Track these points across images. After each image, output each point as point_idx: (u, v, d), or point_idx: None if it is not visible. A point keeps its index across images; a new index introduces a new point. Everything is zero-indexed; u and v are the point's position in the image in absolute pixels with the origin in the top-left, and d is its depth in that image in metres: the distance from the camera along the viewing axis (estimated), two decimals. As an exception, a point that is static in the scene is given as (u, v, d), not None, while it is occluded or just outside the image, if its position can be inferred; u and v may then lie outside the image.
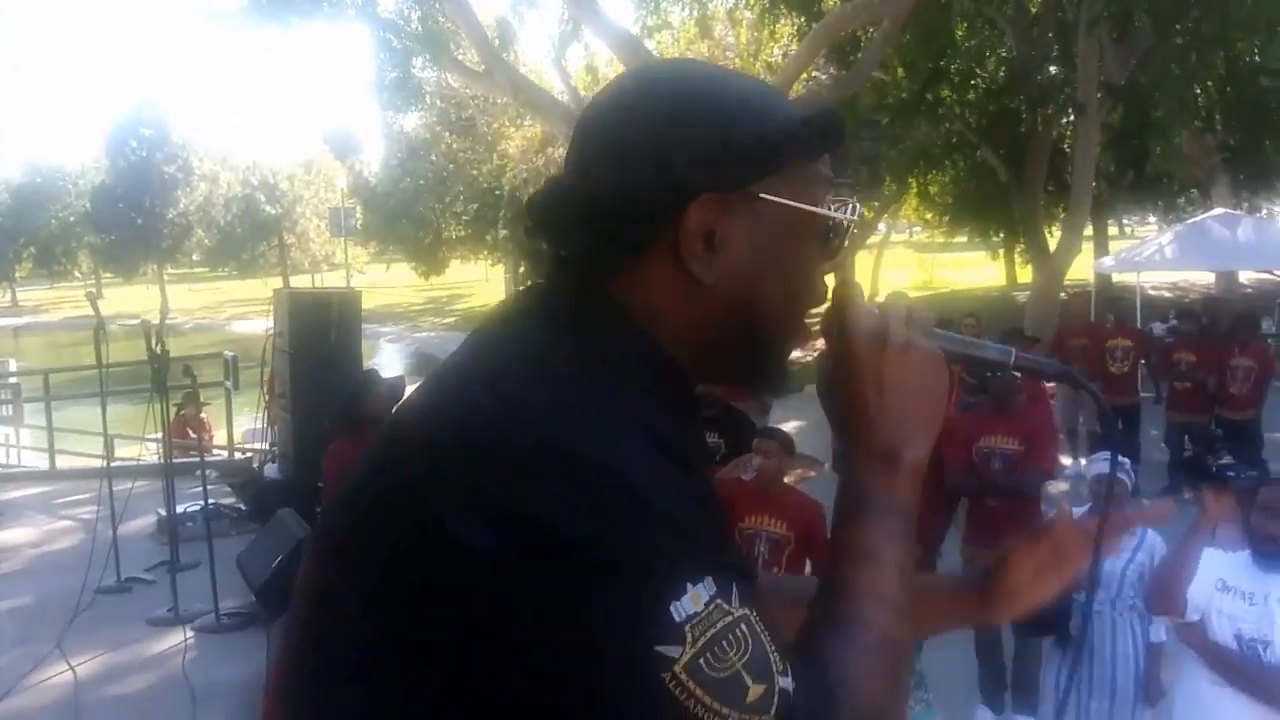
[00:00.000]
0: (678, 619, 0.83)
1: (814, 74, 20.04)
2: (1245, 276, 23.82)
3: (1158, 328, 16.10)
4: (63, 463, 12.79)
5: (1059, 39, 18.29)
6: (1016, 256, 29.52)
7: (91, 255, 66.93)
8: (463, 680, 0.86)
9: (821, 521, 5.37)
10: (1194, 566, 3.50)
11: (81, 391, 16.11)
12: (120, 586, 7.45)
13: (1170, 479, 9.48)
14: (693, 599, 0.84)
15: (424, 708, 0.88)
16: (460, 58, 16.51)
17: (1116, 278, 21.10)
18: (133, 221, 59.87)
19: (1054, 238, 19.77)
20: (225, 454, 11.67)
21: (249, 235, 64.78)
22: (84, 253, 68.09)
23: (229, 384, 10.90)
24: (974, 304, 21.89)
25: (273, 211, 63.59)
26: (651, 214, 0.98)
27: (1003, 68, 20.67)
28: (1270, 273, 22.46)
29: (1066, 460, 10.41)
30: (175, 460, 8.04)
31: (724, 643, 0.84)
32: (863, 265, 32.84)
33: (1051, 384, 8.69)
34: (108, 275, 66.02)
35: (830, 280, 1.12)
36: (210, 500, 7.73)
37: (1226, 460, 3.62)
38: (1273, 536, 3.37)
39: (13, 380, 14.96)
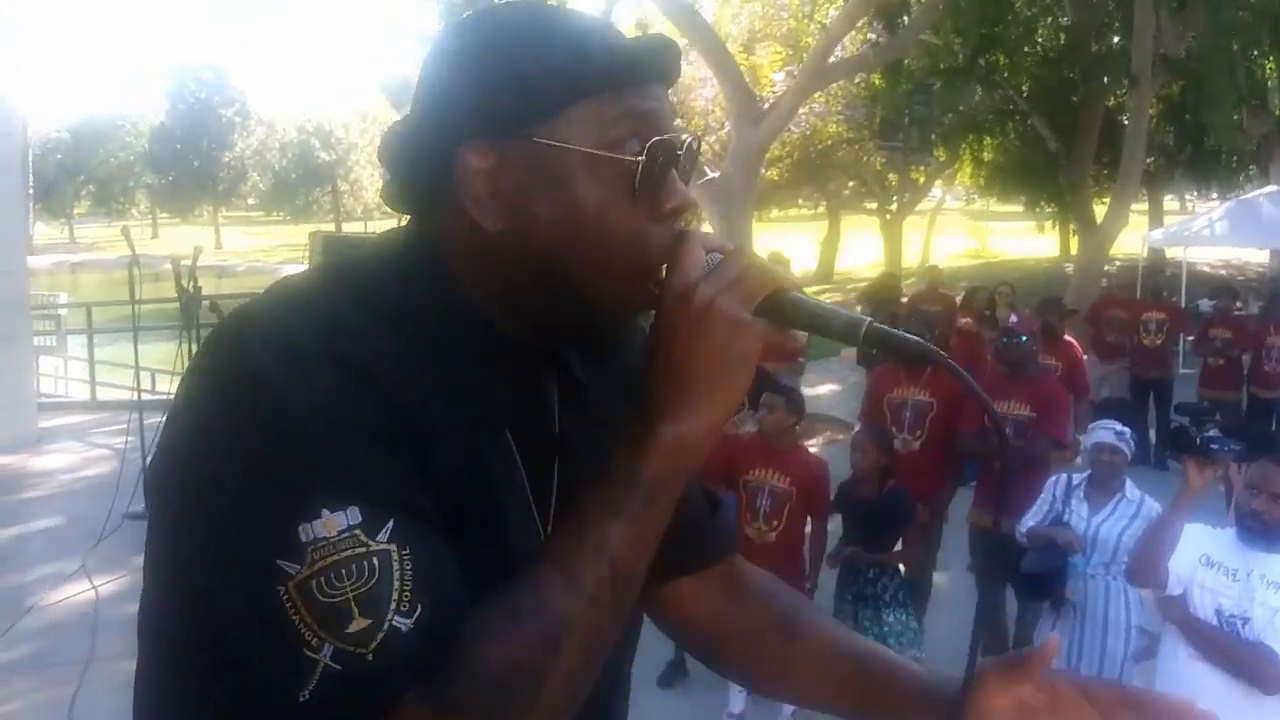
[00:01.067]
0: (304, 539, 0.85)
1: (867, 36, 19.81)
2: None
3: (1204, 304, 15.87)
4: (103, 395, 13.13)
5: (1117, 8, 17.94)
6: (1069, 228, 29.11)
7: (149, 195, 67.89)
8: (169, 566, 0.98)
9: (825, 480, 5.42)
10: (1176, 540, 3.49)
11: (123, 326, 16.51)
12: (147, 513, 7.64)
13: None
14: (325, 524, 0.86)
15: (153, 578, 1.02)
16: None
17: (1169, 253, 20.80)
18: (190, 163, 60.68)
19: (1103, 210, 19.49)
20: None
21: (303, 181, 65.36)
22: (141, 192, 69.08)
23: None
24: (1021, 274, 21.66)
25: (327, 158, 64.06)
26: (434, 160, 0.99)
27: (1059, 35, 20.31)
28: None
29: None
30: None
31: (343, 570, 0.85)
32: (915, 230, 32.58)
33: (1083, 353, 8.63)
34: (164, 215, 66.96)
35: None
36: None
37: (1213, 433, 3.58)
38: (1257, 514, 3.35)
39: (59, 312, 15.27)
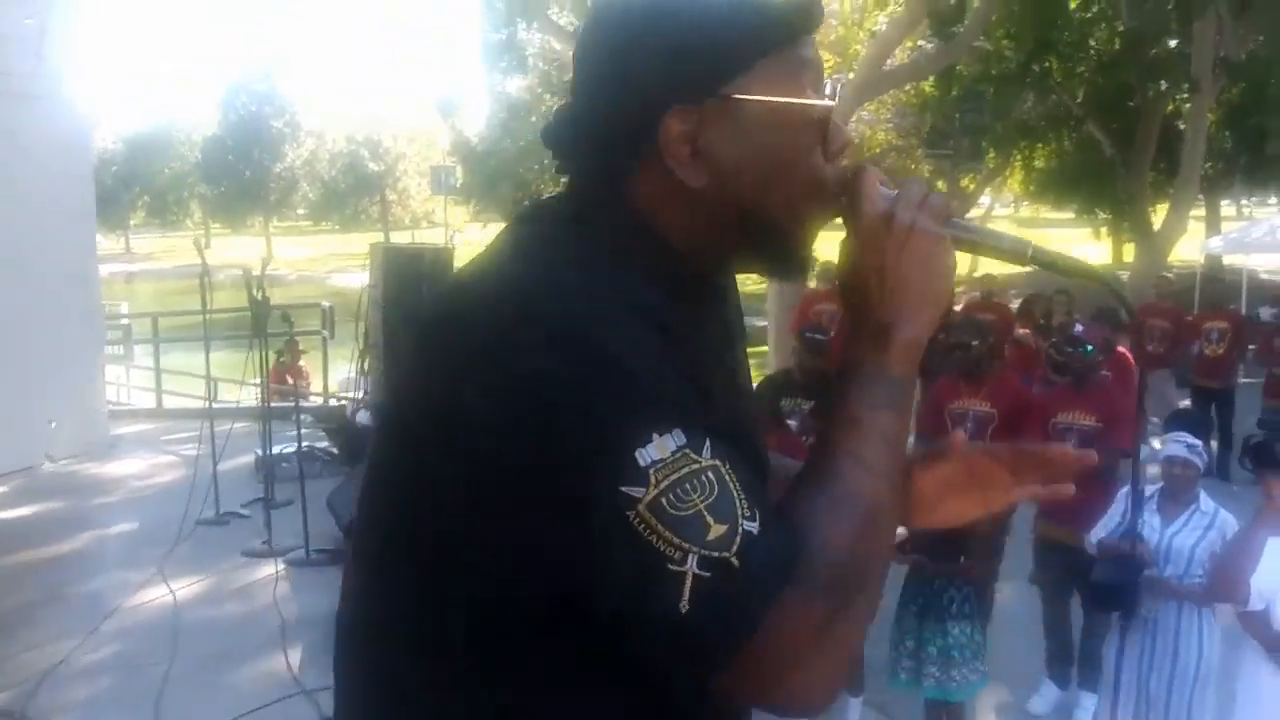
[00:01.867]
0: (642, 463, 0.93)
1: (919, 43, 19.73)
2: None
3: (1264, 312, 15.66)
4: (169, 403, 13.38)
5: (1176, 11, 17.75)
6: (1122, 235, 28.80)
7: (202, 205, 68.77)
8: (474, 516, 1.01)
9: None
10: (1259, 554, 3.47)
11: (188, 335, 16.79)
12: (218, 519, 7.80)
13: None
14: (658, 447, 0.94)
15: (448, 541, 1.04)
16: (559, 20, 16.59)
17: (1227, 260, 20.54)
18: (241, 174, 61.36)
19: (1160, 216, 19.28)
20: (321, 400, 12.05)
21: (352, 191, 65.92)
22: (195, 203, 69.98)
23: (325, 333, 11.24)
24: (1074, 283, 21.44)
25: (376, 168, 64.59)
26: (630, 133, 1.08)
27: (1115, 39, 20.12)
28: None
29: (1156, 444, 10.26)
30: (272, 405, 8.38)
31: (687, 485, 0.94)
32: (963, 239, 32.33)
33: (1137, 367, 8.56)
34: (216, 225, 67.79)
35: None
36: (304, 443, 8.04)
37: (1295, 447, 3.56)
38: None
39: (124, 322, 15.57)
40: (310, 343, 12.25)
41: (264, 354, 7.62)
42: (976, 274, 22.92)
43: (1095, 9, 19.98)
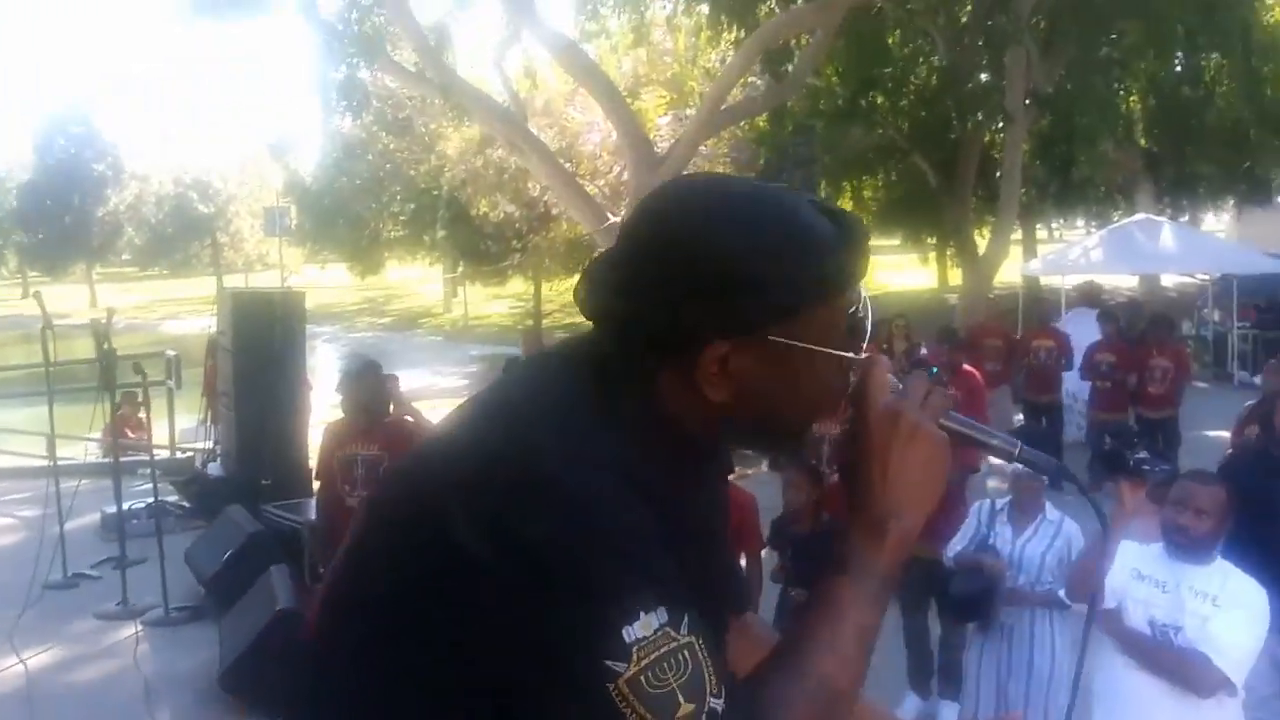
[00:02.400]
0: (628, 640, 0.99)
1: (751, 79, 20.29)
2: (1168, 280, 24.54)
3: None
4: (1, 463, 12.64)
5: (988, 48, 18.73)
6: (947, 260, 30.07)
7: (18, 253, 65.45)
8: (452, 671, 1.05)
9: (755, 514, 5.58)
10: (1111, 557, 3.69)
11: (17, 391, 15.90)
12: (68, 582, 7.47)
13: (1090, 474, 9.83)
14: (644, 625, 1.00)
15: (420, 694, 1.07)
16: (397, 58, 16.49)
17: (1044, 280, 21.66)
18: (61, 220, 58.71)
19: (984, 241, 20.22)
20: (168, 453, 11.62)
21: (181, 234, 63.68)
22: (10, 251, 66.57)
23: (171, 383, 10.87)
24: (906, 305, 22.31)
25: (206, 210, 62.62)
26: (670, 343, 1.12)
27: (934, 75, 21.09)
28: (1193, 276, 23.13)
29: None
30: (120, 459, 8.06)
31: (665, 664, 1.00)
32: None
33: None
34: (35, 274, 64.58)
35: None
36: (157, 498, 7.78)
37: (1143, 455, 3.82)
38: (1183, 528, 3.54)
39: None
40: (152, 393, 11.79)
41: (114, 405, 7.34)
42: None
43: (915, 46, 20.91)
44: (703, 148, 22.26)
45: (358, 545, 1.18)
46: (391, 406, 6.73)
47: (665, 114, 23.15)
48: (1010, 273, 21.20)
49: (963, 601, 4.79)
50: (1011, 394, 11.52)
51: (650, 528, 1.05)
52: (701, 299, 1.10)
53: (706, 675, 1.03)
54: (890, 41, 19.72)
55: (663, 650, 1.00)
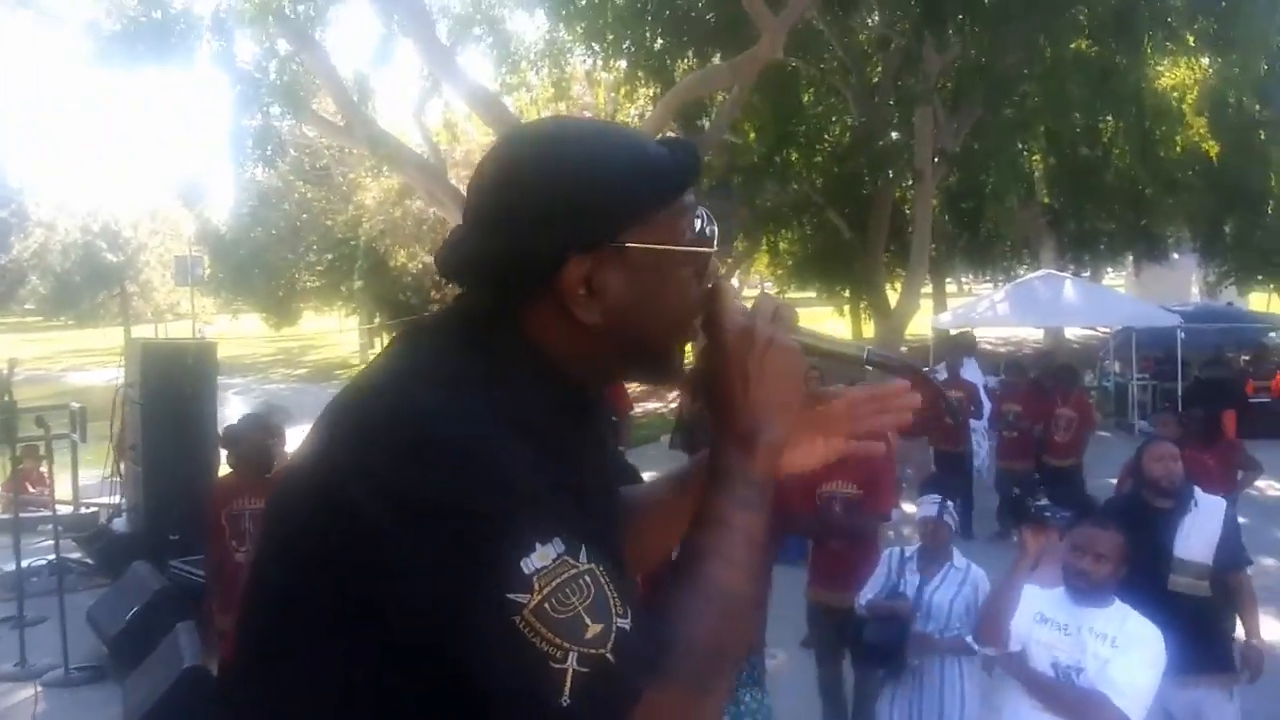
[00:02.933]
0: (526, 571, 1.03)
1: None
2: (1071, 332, 25.29)
3: (991, 381, 16.98)
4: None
5: (899, 107, 19.27)
6: (861, 312, 30.57)
7: (-86, 302, 63.47)
8: (371, 641, 1.09)
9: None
10: (1016, 601, 3.80)
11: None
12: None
13: (999, 522, 10.05)
14: (541, 556, 1.04)
15: (335, 650, 1.11)
16: (317, 108, 16.46)
17: (954, 332, 22.14)
18: (-40, 268, 57.14)
19: (895, 294, 20.64)
20: (71, 509, 11.30)
21: (89, 283, 62.21)
22: (-93, 299, 64.51)
23: (75, 436, 10.58)
24: (819, 357, 22.61)
25: (115, 259, 61.33)
26: (530, 274, 1.19)
27: (846, 133, 21.59)
28: (1094, 329, 23.83)
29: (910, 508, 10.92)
30: (21, 515, 7.84)
31: (568, 590, 1.04)
32: (715, 319, 33.45)
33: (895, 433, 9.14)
34: (-67, 323, 62.62)
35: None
36: (59, 554, 7.57)
37: (1044, 502, 3.96)
38: (1084, 572, 3.69)
39: None
40: (56, 446, 11.46)
41: (14, 459, 7.14)
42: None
43: (828, 105, 21.41)
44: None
45: (263, 549, 1.21)
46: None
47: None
48: (921, 325, 21.66)
49: (875, 648, 4.85)
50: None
51: (536, 466, 1.09)
52: (554, 219, 1.17)
53: (611, 598, 1.06)
54: (805, 99, 20.20)
55: (564, 577, 1.04)
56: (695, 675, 1.10)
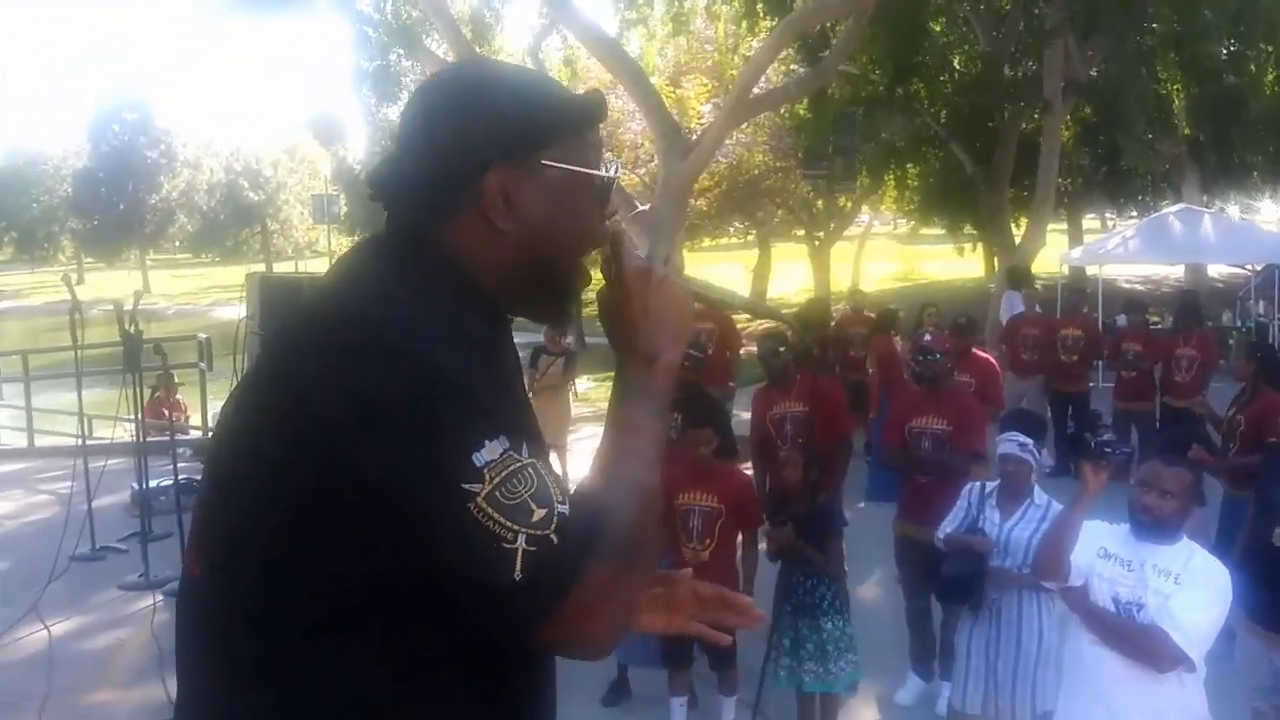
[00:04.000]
0: (478, 464, 1.16)
1: (791, 67, 20.25)
2: (1216, 270, 24.21)
3: (1120, 319, 16.45)
4: (40, 442, 13.02)
5: (1028, 35, 18.56)
6: (992, 248, 29.77)
7: (74, 240, 66.72)
8: (333, 517, 1.20)
9: (753, 495, 5.67)
10: (1076, 536, 3.75)
11: (59, 373, 16.27)
12: (94, 555, 7.71)
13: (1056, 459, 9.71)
14: (489, 451, 1.17)
15: (314, 542, 1.22)
16: (438, 49, 16.65)
17: (1090, 270, 21.45)
18: (115, 207, 59.74)
19: (1020, 231, 20.04)
20: (199, 434, 11.87)
21: (232, 221, 64.67)
22: (66, 238, 67.86)
23: (203, 365, 11.10)
24: (949, 295, 22.21)
25: (256, 198, 63.48)
26: (459, 181, 1.33)
27: (973, 63, 20.91)
28: (1241, 267, 22.79)
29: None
30: (148, 439, 8.30)
31: (514, 480, 1.17)
32: (843, 255, 33.09)
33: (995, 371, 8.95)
34: (90, 260, 65.79)
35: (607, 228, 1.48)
36: (181, 476, 7.98)
37: (1106, 437, 3.88)
38: (1148, 508, 3.61)
39: (-9, 361, 15.11)
40: (187, 376, 12.07)
41: (138, 389, 7.55)
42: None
43: (954, 34, 20.74)
44: (741, 135, 22.30)
45: (223, 459, 1.34)
46: None
47: (707, 102, 23.16)
48: (1055, 263, 21.02)
49: (952, 582, 4.83)
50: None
51: (479, 367, 1.24)
52: (480, 129, 1.33)
53: (551, 486, 1.21)
54: (935, 28, 19.60)
55: (510, 469, 1.18)
56: (625, 554, 1.24)
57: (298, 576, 1.23)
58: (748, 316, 14.98)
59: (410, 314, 1.25)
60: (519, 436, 1.20)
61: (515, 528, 1.16)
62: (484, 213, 1.34)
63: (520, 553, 1.15)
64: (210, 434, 11.96)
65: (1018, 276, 14.44)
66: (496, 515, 1.15)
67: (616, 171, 1.47)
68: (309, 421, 1.19)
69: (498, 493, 1.16)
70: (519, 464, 1.18)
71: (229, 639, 1.28)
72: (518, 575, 1.15)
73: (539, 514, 1.18)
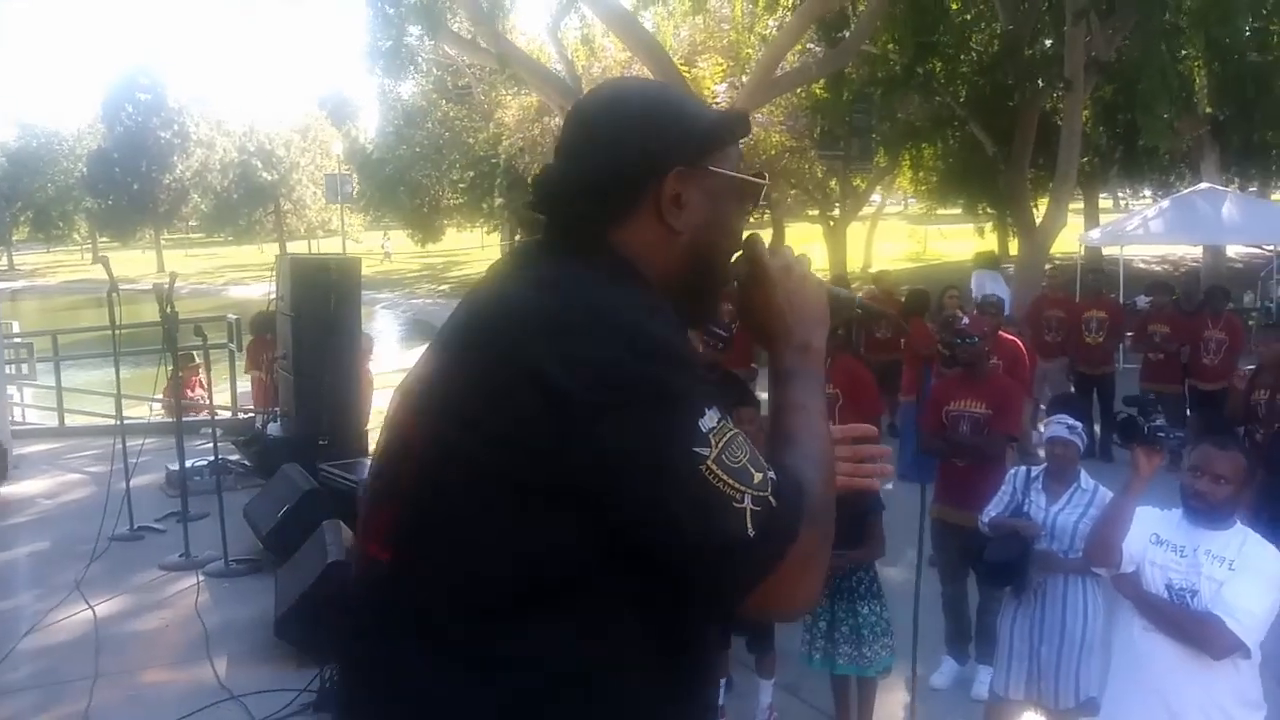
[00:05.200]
0: (705, 429, 1.26)
1: (808, 46, 20.14)
2: (1234, 250, 24.08)
3: (1140, 300, 16.39)
4: (71, 421, 13.06)
5: (1048, 14, 18.40)
6: (1008, 229, 29.63)
7: (88, 219, 66.87)
8: (563, 489, 1.26)
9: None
10: (1129, 522, 3.74)
11: (87, 353, 16.34)
12: (133, 535, 7.74)
13: (1101, 446, 9.71)
14: (710, 418, 1.27)
15: (536, 516, 1.27)
16: (457, 27, 16.58)
17: (1106, 251, 21.35)
18: (129, 186, 59.91)
19: (1040, 211, 19.92)
20: (229, 414, 11.91)
21: (245, 201, 64.67)
22: (80, 217, 67.99)
23: (233, 346, 11.14)
24: (964, 276, 22.11)
25: (269, 178, 63.47)
26: (638, 183, 1.44)
27: (993, 42, 20.76)
28: (1260, 248, 22.66)
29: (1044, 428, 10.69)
30: (184, 419, 8.34)
31: (733, 446, 1.27)
32: (857, 236, 32.99)
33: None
34: (104, 239, 65.93)
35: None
36: (218, 456, 8.04)
37: (1159, 422, 3.87)
38: (1201, 494, 3.59)
39: (16, 340, 15.12)
40: (216, 355, 12.11)
41: (176, 366, 7.59)
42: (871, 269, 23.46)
43: (974, 12, 20.59)
44: (759, 115, 22.19)
45: (423, 448, 1.36)
46: None
47: (722, 81, 23.07)
48: (1073, 243, 20.93)
49: (997, 567, 4.82)
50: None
51: (689, 345, 1.38)
52: (661, 138, 1.44)
53: (758, 454, 1.31)
54: (954, 6, 19.47)
55: (728, 436, 1.28)
56: (824, 519, 1.36)
57: (513, 554, 1.28)
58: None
59: (617, 295, 1.35)
60: (723, 408, 1.30)
61: (742, 488, 1.25)
62: (659, 214, 1.44)
63: (749, 512, 1.25)
64: (241, 414, 12.09)
65: (986, 258, 14.51)
66: (726, 477, 1.24)
67: (765, 179, 1.57)
68: (549, 399, 1.24)
69: (724, 456, 1.25)
70: (732, 432, 1.28)
71: (431, 622, 1.33)
72: (750, 532, 1.24)
73: (758, 477, 1.27)
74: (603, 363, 1.25)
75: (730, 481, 1.25)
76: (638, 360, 1.26)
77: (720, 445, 1.26)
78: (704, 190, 1.47)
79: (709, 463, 1.24)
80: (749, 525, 1.25)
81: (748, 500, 1.25)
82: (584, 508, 1.26)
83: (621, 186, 1.44)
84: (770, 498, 1.27)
